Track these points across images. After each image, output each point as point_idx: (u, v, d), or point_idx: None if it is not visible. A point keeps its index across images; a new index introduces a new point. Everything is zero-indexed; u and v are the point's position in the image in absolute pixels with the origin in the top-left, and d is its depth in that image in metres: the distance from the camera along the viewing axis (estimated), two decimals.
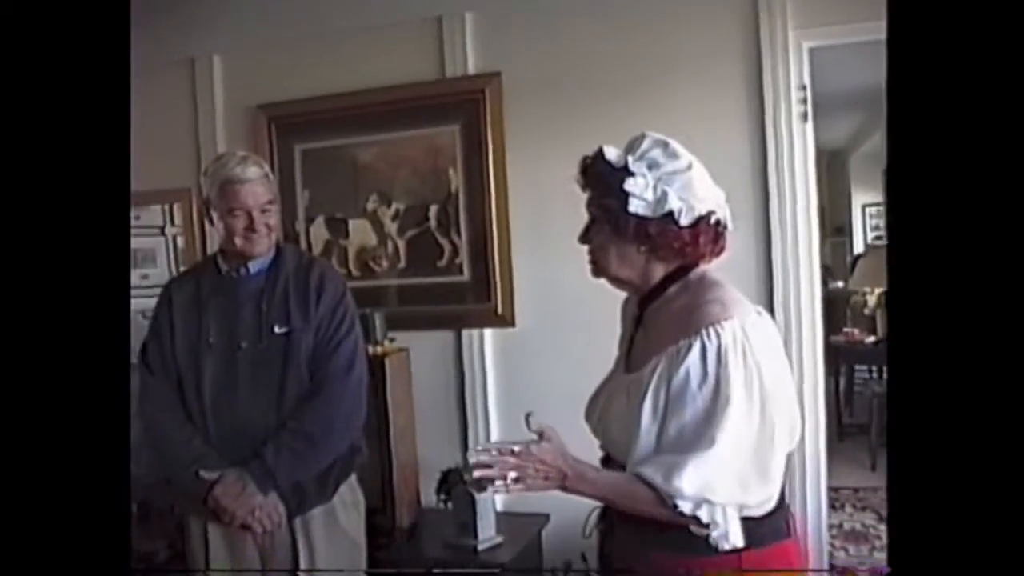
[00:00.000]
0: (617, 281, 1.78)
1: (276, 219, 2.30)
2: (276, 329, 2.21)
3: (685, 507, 1.55)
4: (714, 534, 1.57)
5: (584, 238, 1.78)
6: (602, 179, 1.69)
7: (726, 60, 3.11)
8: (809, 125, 3.12)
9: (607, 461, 1.76)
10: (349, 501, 2.36)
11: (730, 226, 1.74)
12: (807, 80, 3.09)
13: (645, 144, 1.68)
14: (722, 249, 1.74)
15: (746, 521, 1.60)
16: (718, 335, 1.56)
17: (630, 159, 1.66)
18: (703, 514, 1.56)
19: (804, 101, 3.08)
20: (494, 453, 1.60)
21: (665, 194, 1.64)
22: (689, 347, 1.57)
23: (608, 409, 1.74)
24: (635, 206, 1.64)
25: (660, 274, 1.72)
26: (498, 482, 1.58)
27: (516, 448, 1.60)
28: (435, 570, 2.98)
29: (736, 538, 1.57)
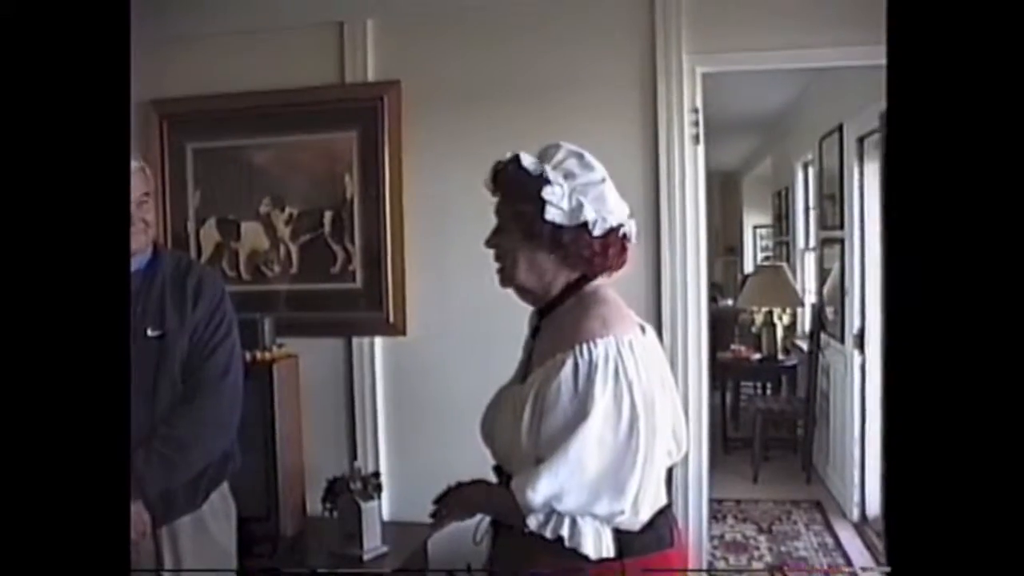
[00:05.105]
0: (522, 290, 1.80)
1: (152, 215, 2.23)
2: (149, 332, 2.13)
3: (532, 522, 1.60)
4: (567, 544, 1.60)
5: (491, 242, 1.80)
6: (517, 185, 1.71)
7: (622, 80, 3.19)
8: (700, 147, 3.21)
9: (500, 471, 1.78)
10: (220, 510, 2.29)
11: (633, 240, 1.80)
12: (699, 104, 3.18)
13: (561, 154, 1.71)
14: (624, 262, 1.79)
15: (626, 532, 1.63)
16: (591, 352, 1.59)
17: (547, 167, 1.69)
18: (548, 531, 1.60)
19: (696, 124, 3.17)
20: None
21: (581, 204, 1.68)
22: (563, 362, 1.60)
23: (495, 420, 1.77)
24: (552, 214, 1.68)
25: (562, 283, 1.75)
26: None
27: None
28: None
29: (590, 548, 1.60)
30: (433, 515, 1.85)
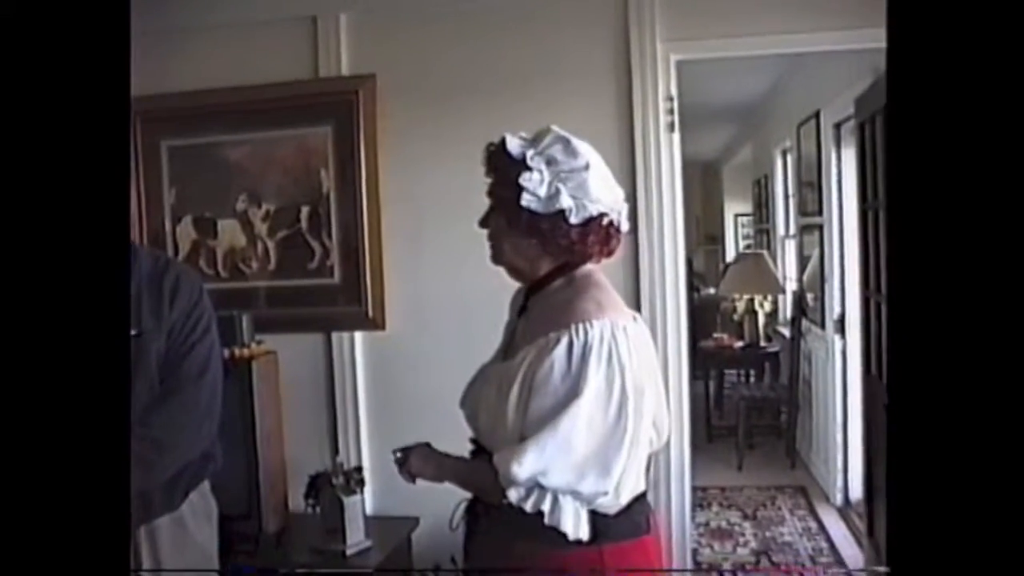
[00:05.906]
0: (511, 269, 1.82)
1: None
2: None
3: (512, 495, 1.61)
4: (547, 520, 1.61)
5: (483, 223, 1.81)
6: (501, 169, 1.73)
7: (596, 69, 3.19)
8: (676, 135, 3.22)
9: (477, 452, 1.79)
10: (200, 510, 2.26)
11: (624, 229, 1.79)
12: (675, 91, 3.18)
13: (547, 139, 1.70)
14: (611, 251, 1.79)
15: (603, 516, 1.65)
16: (586, 332, 1.60)
17: (530, 153, 1.69)
18: (528, 505, 1.61)
19: (671, 112, 3.18)
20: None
21: (558, 191, 1.67)
22: (558, 340, 1.61)
23: (478, 397, 1.77)
24: (527, 201, 1.68)
25: (548, 267, 1.76)
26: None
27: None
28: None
29: (569, 527, 1.62)
30: (399, 462, 1.88)
